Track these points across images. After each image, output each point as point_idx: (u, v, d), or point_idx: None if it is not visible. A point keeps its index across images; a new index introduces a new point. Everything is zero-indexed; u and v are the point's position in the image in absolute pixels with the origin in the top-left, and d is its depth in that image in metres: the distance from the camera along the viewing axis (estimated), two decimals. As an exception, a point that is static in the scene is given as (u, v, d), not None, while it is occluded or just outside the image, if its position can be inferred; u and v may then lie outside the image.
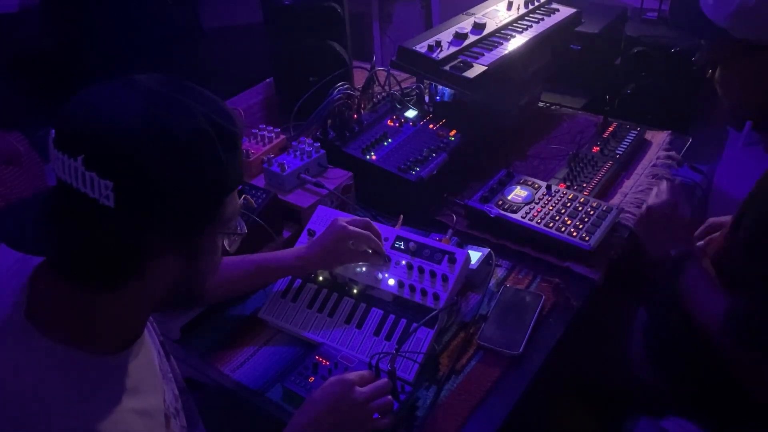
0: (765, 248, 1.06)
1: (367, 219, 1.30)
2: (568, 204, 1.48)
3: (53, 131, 0.70)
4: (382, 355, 1.08)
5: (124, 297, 0.76)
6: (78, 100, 0.71)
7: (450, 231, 1.43)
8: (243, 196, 1.36)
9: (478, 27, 1.76)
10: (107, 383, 0.76)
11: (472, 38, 1.72)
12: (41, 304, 0.75)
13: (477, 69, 1.60)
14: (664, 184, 1.31)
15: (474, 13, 1.85)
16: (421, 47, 1.66)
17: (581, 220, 1.41)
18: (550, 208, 1.46)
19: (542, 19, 1.86)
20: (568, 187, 1.56)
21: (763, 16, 1.01)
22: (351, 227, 1.24)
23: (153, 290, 0.78)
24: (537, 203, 1.48)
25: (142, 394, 0.81)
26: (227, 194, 0.78)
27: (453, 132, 1.65)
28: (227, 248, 0.87)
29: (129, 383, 0.79)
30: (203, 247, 0.79)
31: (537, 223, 1.42)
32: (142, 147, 0.68)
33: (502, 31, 1.78)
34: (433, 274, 1.23)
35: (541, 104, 2.03)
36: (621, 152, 1.71)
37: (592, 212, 1.45)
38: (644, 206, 1.24)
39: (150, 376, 0.86)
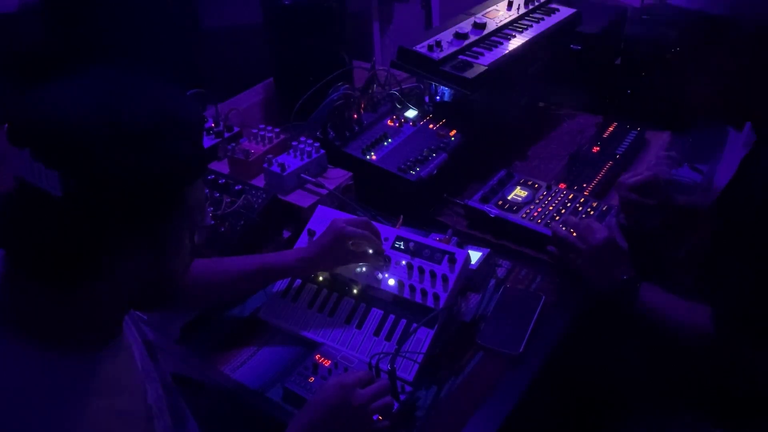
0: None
1: (367, 219, 1.30)
2: (568, 204, 1.48)
3: (6, 125, 0.70)
4: (382, 355, 1.09)
5: (93, 295, 0.75)
6: (31, 94, 0.70)
7: (450, 231, 1.43)
8: (243, 195, 1.37)
9: (478, 27, 1.76)
10: (81, 384, 0.75)
11: (472, 38, 1.72)
12: (10, 305, 0.74)
13: (477, 69, 1.60)
14: (596, 222, 1.33)
15: (474, 13, 1.84)
16: (421, 47, 1.66)
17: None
18: (550, 208, 1.46)
19: (542, 19, 1.86)
20: (568, 187, 1.56)
21: None
22: (350, 228, 1.24)
23: (121, 287, 0.76)
24: (537, 203, 1.48)
25: (121, 395, 0.80)
26: (187, 184, 0.76)
27: (453, 132, 1.65)
28: (194, 241, 0.86)
29: (105, 383, 0.78)
30: (168, 240, 0.78)
31: (537, 223, 1.42)
32: (90, 137, 0.67)
33: (502, 31, 1.78)
34: (433, 275, 1.23)
35: (541, 104, 2.03)
36: (621, 152, 1.71)
37: (592, 212, 1.45)
38: (586, 246, 1.27)
39: (129, 376, 0.85)
